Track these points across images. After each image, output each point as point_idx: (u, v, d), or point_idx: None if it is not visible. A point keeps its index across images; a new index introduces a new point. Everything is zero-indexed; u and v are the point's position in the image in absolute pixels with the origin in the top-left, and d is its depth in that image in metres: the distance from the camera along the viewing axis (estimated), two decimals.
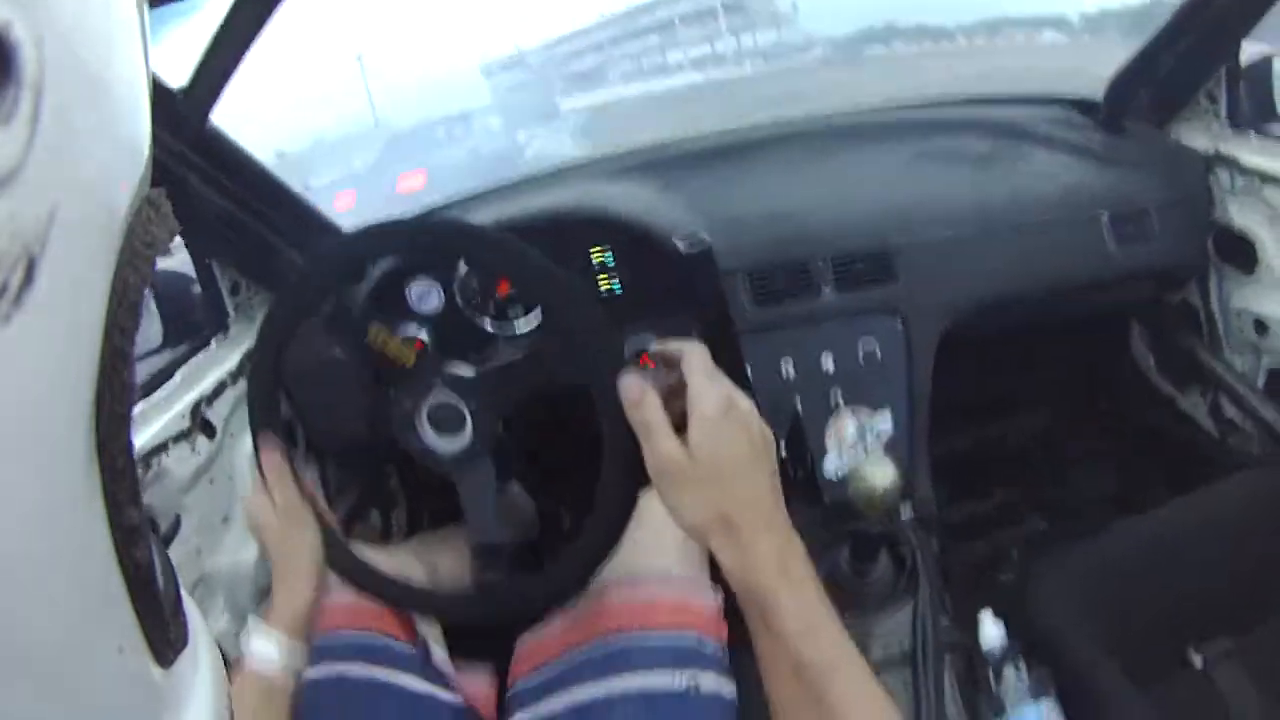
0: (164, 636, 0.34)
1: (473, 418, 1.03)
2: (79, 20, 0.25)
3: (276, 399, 1.06)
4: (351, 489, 1.65)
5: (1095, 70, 1.73)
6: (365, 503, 1.69)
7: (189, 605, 0.38)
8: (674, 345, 0.87)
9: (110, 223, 0.28)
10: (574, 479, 1.13)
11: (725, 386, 0.82)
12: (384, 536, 1.73)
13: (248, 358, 1.50)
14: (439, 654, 1.20)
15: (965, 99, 2.02)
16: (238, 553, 1.38)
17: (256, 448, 1.04)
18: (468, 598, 1.11)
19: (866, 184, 1.60)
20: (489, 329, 1.45)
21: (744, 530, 0.78)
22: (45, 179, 0.23)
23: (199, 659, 0.38)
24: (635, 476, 0.84)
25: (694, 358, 0.84)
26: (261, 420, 1.04)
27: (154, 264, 0.30)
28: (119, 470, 0.30)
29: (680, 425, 0.81)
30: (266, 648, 0.91)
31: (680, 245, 1.23)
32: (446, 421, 1.04)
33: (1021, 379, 1.77)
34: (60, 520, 0.27)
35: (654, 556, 1.16)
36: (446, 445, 1.04)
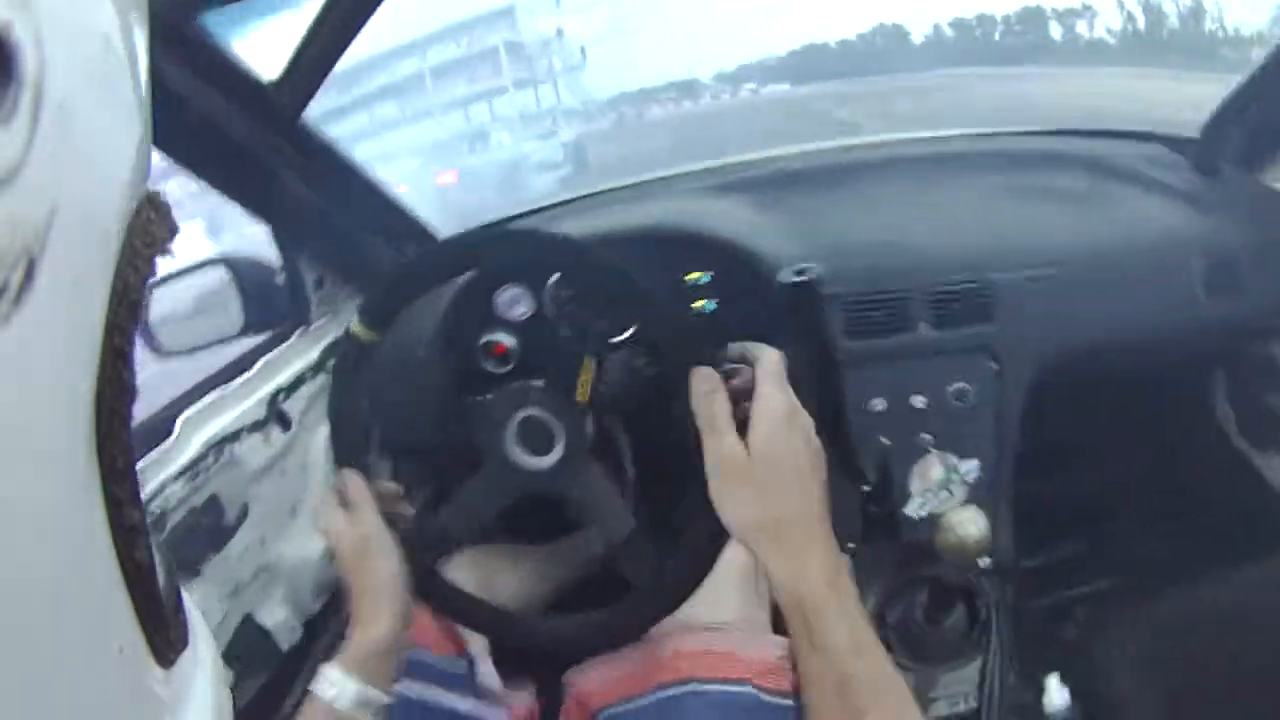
0: (164, 637, 0.34)
1: (564, 432, 1.02)
2: (79, 21, 0.26)
3: (360, 421, 1.07)
4: (420, 489, 1.68)
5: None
6: (432, 504, 1.72)
7: (189, 605, 0.39)
8: (751, 347, 0.88)
9: (110, 223, 0.29)
10: (660, 493, 1.14)
11: (791, 396, 0.84)
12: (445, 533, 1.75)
13: (328, 352, 1.54)
14: (485, 669, 1.19)
15: (1061, 130, 1.96)
16: (303, 545, 1.42)
17: (337, 460, 1.05)
18: (562, 627, 1.09)
19: (965, 216, 1.57)
20: (577, 340, 1.45)
21: (795, 538, 0.80)
22: (45, 179, 0.24)
23: (199, 659, 0.39)
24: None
25: (768, 362, 0.86)
26: (345, 449, 1.05)
27: (154, 263, 0.31)
28: (119, 470, 0.30)
29: (743, 428, 0.82)
30: (339, 692, 0.90)
31: (789, 275, 1.22)
32: (536, 437, 1.03)
33: (1098, 428, 1.70)
34: (60, 520, 0.28)
35: (714, 605, 1.13)
36: (537, 462, 1.03)
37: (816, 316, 1.33)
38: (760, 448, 0.81)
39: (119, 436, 0.30)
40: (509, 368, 1.39)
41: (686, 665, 1.05)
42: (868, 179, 1.72)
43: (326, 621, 1.45)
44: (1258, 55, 1.48)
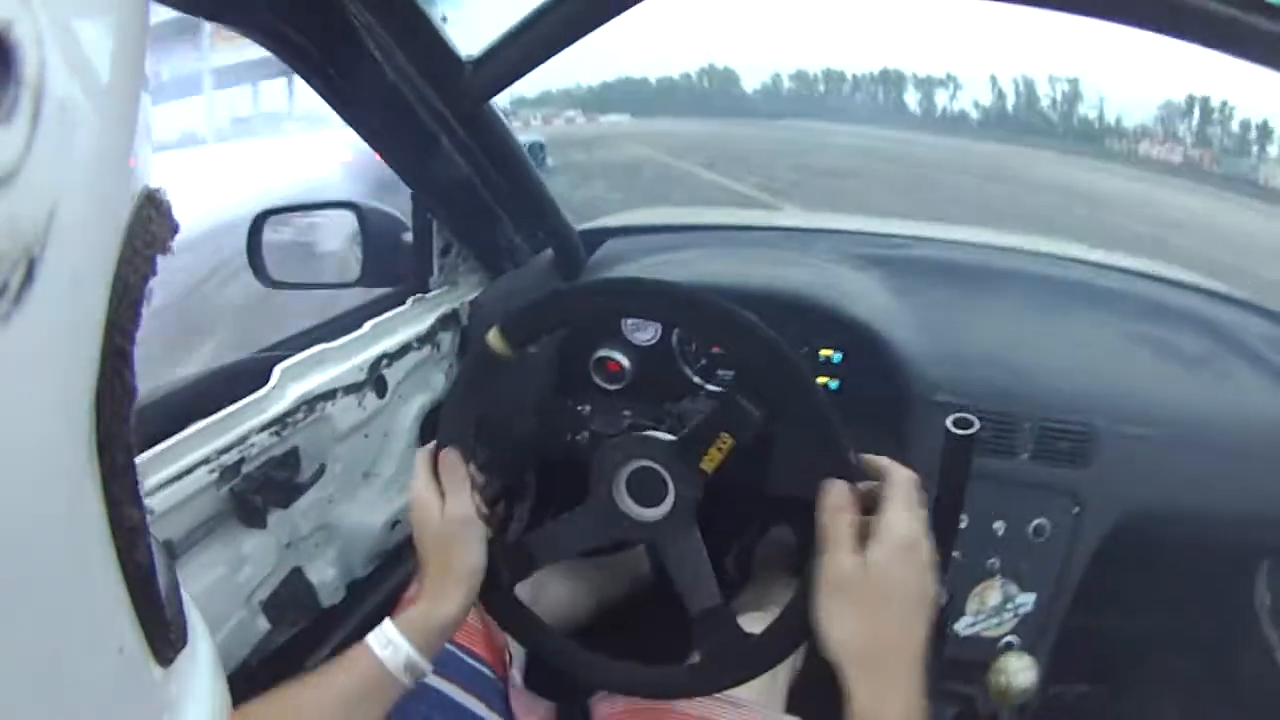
0: (164, 636, 0.35)
1: (677, 493, 1.00)
2: (79, 20, 0.26)
3: (476, 407, 1.05)
4: (494, 479, 1.68)
5: None
6: (501, 495, 1.72)
7: (188, 604, 0.39)
8: (885, 463, 0.88)
9: (110, 222, 0.29)
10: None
11: (918, 524, 0.83)
12: (502, 528, 1.75)
13: (439, 324, 1.57)
14: (516, 679, 1.20)
15: (1195, 286, 1.92)
16: (368, 511, 1.44)
17: (441, 442, 1.04)
18: (627, 674, 1.07)
19: (1085, 352, 1.56)
20: (694, 379, 1.45)
21: (888, 670, 0.79)
22: (45, 179, 0.24)
23: (198, 658, 0.39)
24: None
25: (902, 482, 0.85)
26: (452, 436, 1.03)
27: (154, 263, 0.31)
28: (119, 470, 0.30)
29: (862, 541, 0.82)
30: (393, 651, 0.91)
31: (950, 426, 1.19)
32: (647, 488, 1.01)
33: (1151, 583, 1.67)
34: (60, 520, 0.28)
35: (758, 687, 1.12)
36: (643, 512, 1.01)
37: (968, 467, 1.30)
38: (877, 571, 0.80)
39: (119, 436, 0.30)
40: (618, 387, 1.42)
41: None
42: (1000, 287, 1.72)
43: (371, 589, 1.48)
44: None
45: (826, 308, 1.45)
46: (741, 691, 1.07)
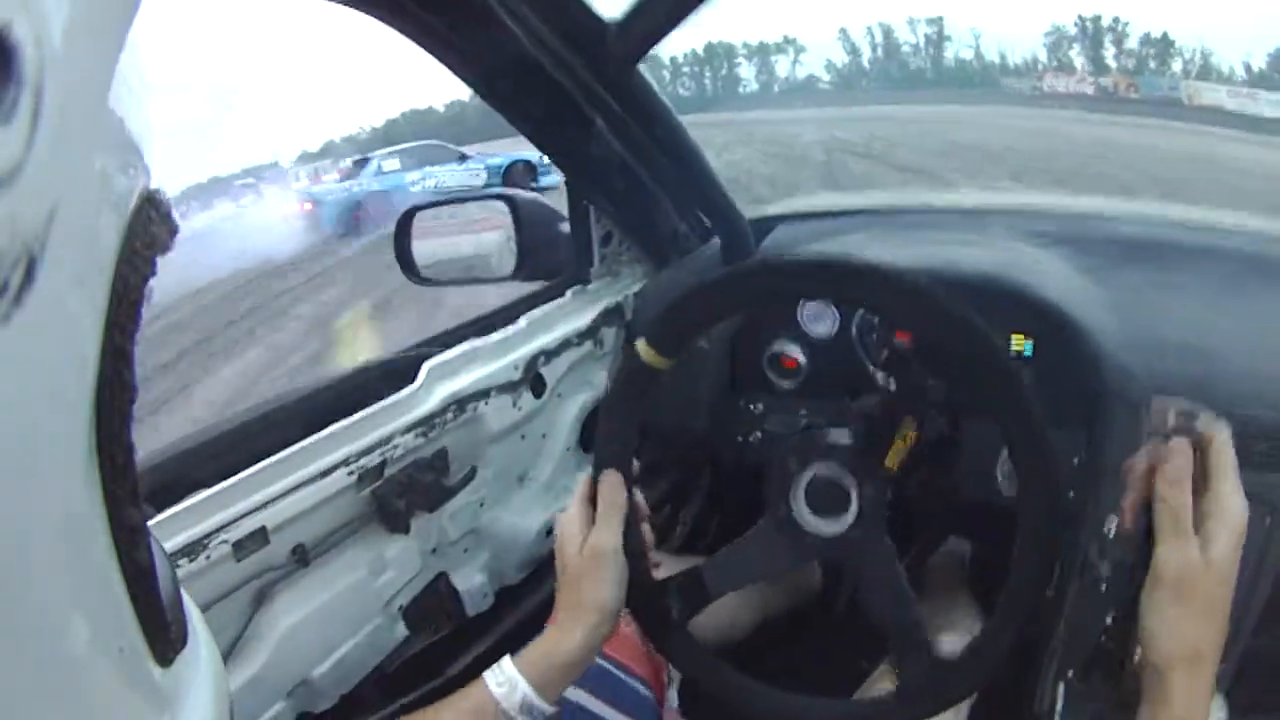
0: (164, 637, 0.36)
1: (861, 499, 0.95)
2: (79, 20, 0.26)
3: (632, 422, 1.01)
4: (660, 481, 1.63)
5: None
6: (667, 497, 1.67)
7: (189, 605, 0.41)
8: (1202, 416, 0.82)
9: (110, 222, 0.29)
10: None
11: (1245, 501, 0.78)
12: (666, 532, 1.70)
13: (602, 318, 1.55)
14: (673, 701, 1.19)
15: None
16: (522, 515, 1.43)
17: (600, 464, 1.00)
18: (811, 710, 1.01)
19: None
20: (877, 373, 1.37)
21: (1207, 675, 0.75)
22: (45, 179, 0.24)
23: (199, 658, 0.40)
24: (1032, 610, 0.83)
25: (1226, 443, 0.79)
26: (611, 455, 0.99)
27: (154, 263, 0.31)
28: (119, 470, 0.31)
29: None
30: (508, 690, 0.89)
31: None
32: (827, 498, 0.97)
33: None
34: (60, 520, 0.29)
35: None
36: (825, 525, 0.97)
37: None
38: (1220, 567, 0.74)
39: (120, 436, 0.31)
40: (794, 384, 1.37)
41: None
42: (1189, 265, 1.55)
43: (522, 597, 1.47)
44: None
45: (1016, 289, 1.35)
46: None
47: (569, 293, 1.54)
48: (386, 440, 1.16)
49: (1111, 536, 1.01)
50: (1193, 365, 1.30)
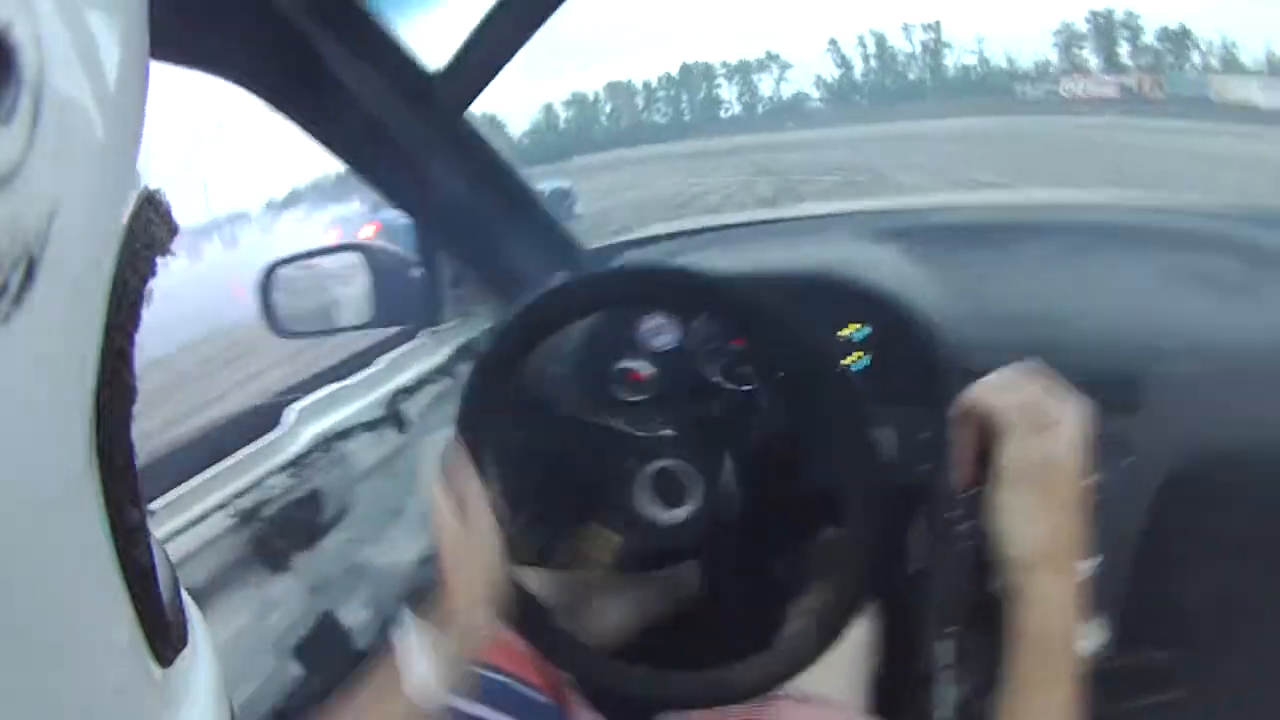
0: (164, 637, 0.35)
1: (699, 484, 1.01)
2: (80, 21, 0.26)
3: (495, 413, 1.06)
4: (528, 501, 1.69)
5: None
6: (540, 517, 1.73)
7: (189, 604, 0.40)
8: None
9: (110, 223, 0.29)
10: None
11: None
12: (543, 555, 1.75)
13: (456, 356, 1.58)
14: (578, 705, 1.18)
15: (1227, 211, 1.96)
16: (398, 550, 1.45)
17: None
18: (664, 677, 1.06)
19: (1118, 297, 1.54)
20: (718, 381, 1.43)
21: (1070, 572, 0.78)
22: (45, 179, 0.24)
23: (198, 659, 0.40)
24: (869, 574, 0.87)
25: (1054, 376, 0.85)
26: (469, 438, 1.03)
27: (154, 264, 0.31)
28: (119, 470, 0.31)
29: None
30: (426, 666, 0.87)
31: None
32: (669, 490, 1.03)
33: (1223, 538, 1.61)
34: (60, 521, 0.28)
35: (830, 680, 1.12)
36: (668, 516, 1.03)
37: None
38: (1063, 460, 0.78)
39: (120, 437, 0.31)
40: (643, 397, 1.40)
41: None
42: (1025, 242, 1.70)
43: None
44: None
45: (847, 283, 1.45)
46: (841, 692, 1.11)
47: (422, 334, 1.57)
48: (260, 482, 1.17)
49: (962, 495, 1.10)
50: (1037, 330, 1.40)
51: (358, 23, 1.18)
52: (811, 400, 0.94)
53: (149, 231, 0.31)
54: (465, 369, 1.60)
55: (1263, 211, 1.93)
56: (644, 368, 1.39)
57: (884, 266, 1.52)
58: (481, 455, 1.01)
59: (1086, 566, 1.33)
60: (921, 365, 1.39)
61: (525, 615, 1.02)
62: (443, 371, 1.55)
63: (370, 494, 1.39)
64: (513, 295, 1.68)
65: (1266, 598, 1.70)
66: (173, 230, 0.33)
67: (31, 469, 0.26)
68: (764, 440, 1.13)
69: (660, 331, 1.42)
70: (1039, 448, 0.78)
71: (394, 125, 1.28)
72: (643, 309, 1.35)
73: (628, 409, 1.40)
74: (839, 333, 1.43)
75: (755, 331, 0.96)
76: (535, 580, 1.14)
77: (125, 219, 0.30)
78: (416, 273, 1.59)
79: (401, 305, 1.57)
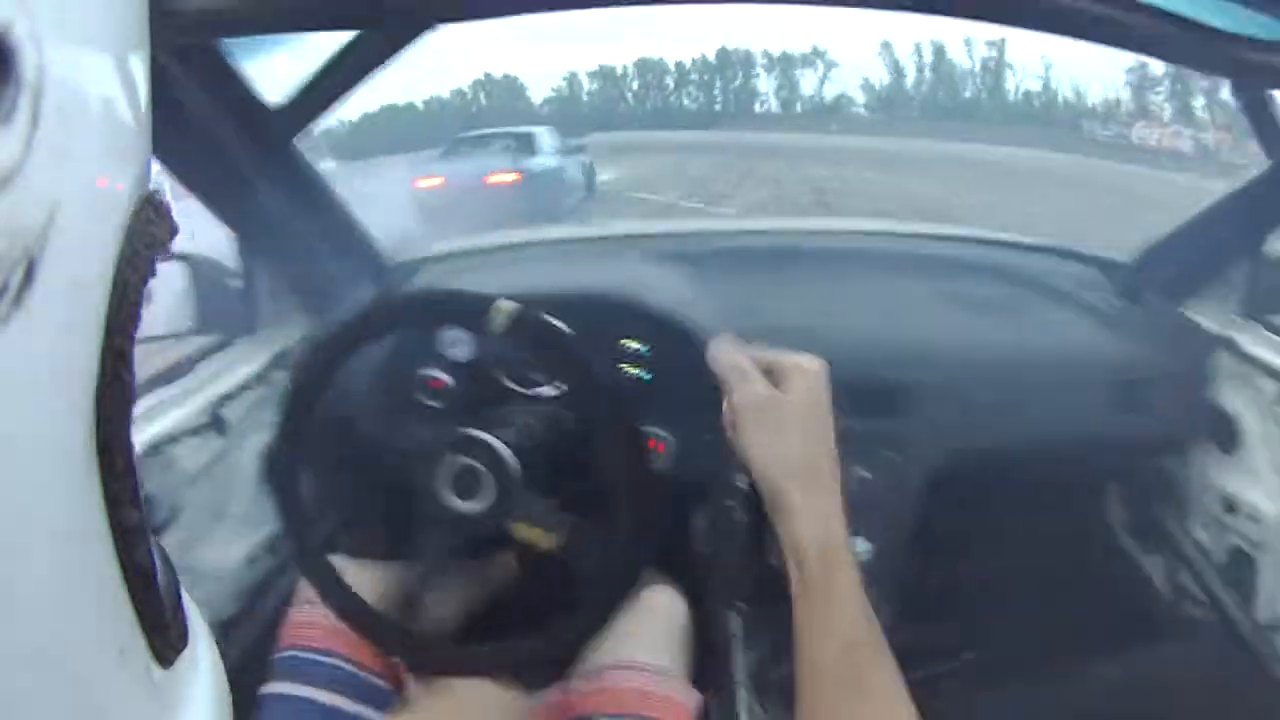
0: (164, 637, 0.35)
1: (496, 480, 1.08)
2: (80, 22, 0.27)
3: (306, 422, 1.12)
4: (347, 500, 1.74)
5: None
6: (357, 514, 1.77)
7: (189, 604, 0.40)
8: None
9: (110, 223, 0.29)
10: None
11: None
12: (364, 549, 1.79)
13: (273, 363, 1.59)
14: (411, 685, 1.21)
15: (997, 241, 2.20)
16: (227, 550, 1.46)
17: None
18: (452, 648, 1.16)
19: (888, 315, 1.71)
20: (512, 387, 1.53)
21: (823, 484, 0.82)
22: (45, 179, 0.24)
23: (199, 659, 0.40)
24: (646, 559, 0.96)
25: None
26: (288, 444, 1.11)
27: (154, 264, 0.32)
28: (119, 471, 0.31)
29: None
30: None
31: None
32: (467, 484, 1.09)
33: (990, 522, 1.86)
34: (60, 521, 0.28)
35: (654, 650, 1.19)
36: (467, 507, 1.09)
37: None
38: (796, 395, 0.83)
39: (119, 437, 0.30)
40: (444, 403, 1.49)
41: (631, 701, 1.10)
42: (801, 265, 1.89)
43: (240, 627, 1.49)
44: None
45: (629, 303, 1.56)
46: (665, 661, 1.17)
47: (239, 342, 1.58)
48: None
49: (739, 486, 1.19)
50: (806, 345, 1.50)
51: (210, 60, 1.24)
52: (587, 406, 1.04)
53: (148, 232, 0.31)
54: (281, 376, 1.62)
55: (1025, 243, 2.18)
56: (444, 376, 1.48)
57: (663, 289, 1.64)
58: (301, 460, 1.08)
59: (861, 550, 1.51)
60: (698, 377, 1.53)
61: (349, 605, 1.09)
62: (260, 379, 1.55)
63: (197, 497, 1.39)
64: (324, 307, 1.72)
65: (1025, 575, 1.94)
66: (173, 230, 0.33)
67: (32, 469, 0.26)
68: (551, 440, 1.24)
69: (458, 342, 1.51)
70: (761, 389, 0.84)
71: (228, 149, 1.33)
72: (440, 326, 1.43)
73: (431, 413, 1.49)
74: (624, 346, 1.55)
75: (538, 347, 1.05)
76: (360, 573, 1.19)
77: (125, 220, 0.30)
78: (236, 283, 1.60)
79: (220, 315, 1.58)
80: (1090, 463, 1.82)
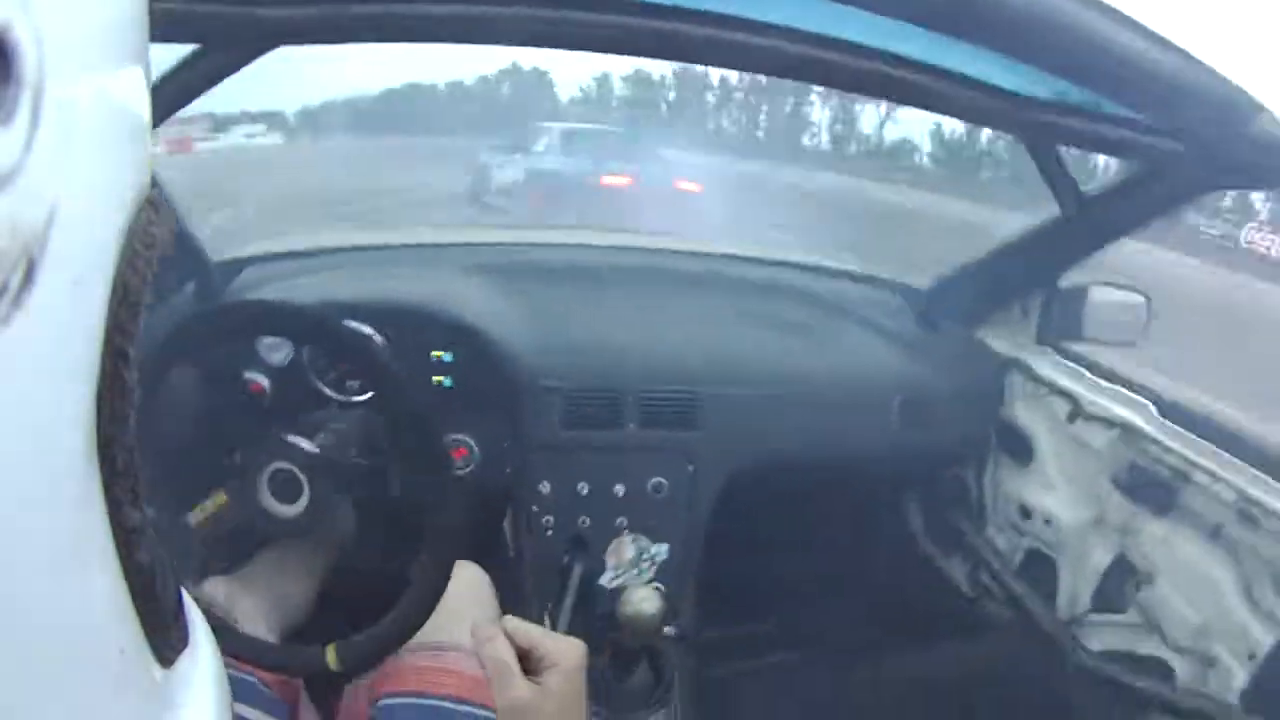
0: (165, 638, 0.35)
1: (310, 485, 1.10)
2: (80, 21, 0.26)
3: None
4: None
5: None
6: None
7: (189, 604, 0.40)
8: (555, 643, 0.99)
9: (110, 223, 0.29)
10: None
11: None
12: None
13: None
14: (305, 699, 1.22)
15: (803, 265, 2.31)
16: None
17: None
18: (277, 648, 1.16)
19: (689, 332, 1.80)
20: (327, 393, 1.56)
21: None
22: (45, 179, 0.24)
23: (199, 659, 0.39)
24: (451, 560, 0.99)
25: (531, 628, 0.99)
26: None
27: (155, 264, 0.31)
28: (120, 471, 0.30)
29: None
30: None
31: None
32: (285, 488, 1.10)
33: (790, 526, 1.94)
34: (61, 521, 0.28)
35: (457, 630, 1.16)
36: (286, 510, 1.11)
37: None
38: (558, 695, 0.91)
39: (120, 438, 0.30)
40: (263, 406, 1.53)
41: (435, 683, 1.09)
42: (605, 282, 1.99)
43: None
44: None
45: (439, 315, 1.62)
46: (462, 637, 1.13)
47: None
48: None
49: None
50: (600, 357, 1.65)
51: None
52: (390, 412, 1.06)
53: (149, 231, 0.31)
54: None
55: (829, 267, 2.30)
56: (263, 380, 1.52)
57: (471, 301, 1.70)
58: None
59: (655, 551, 1.65)
60: (502, 384, 1.59)
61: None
62: None
63: None
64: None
65: (829, 577, 2.08)
66: (173, 230, 0.33)
67: (32, 470, 0.26)
68: (364, 442, 1.26)
69: (276, 348, 1.55)
70: (517, 695, 0.91)
71: None
72: (259, 336, 1.48)
73: (251, 415, 1.53)
74: (431, 354, 1.62)
75: (348, 357, 1.12)
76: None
77: (125, 220, 0.30)
78: None
79: None
80: (887, 474, 1.98)
